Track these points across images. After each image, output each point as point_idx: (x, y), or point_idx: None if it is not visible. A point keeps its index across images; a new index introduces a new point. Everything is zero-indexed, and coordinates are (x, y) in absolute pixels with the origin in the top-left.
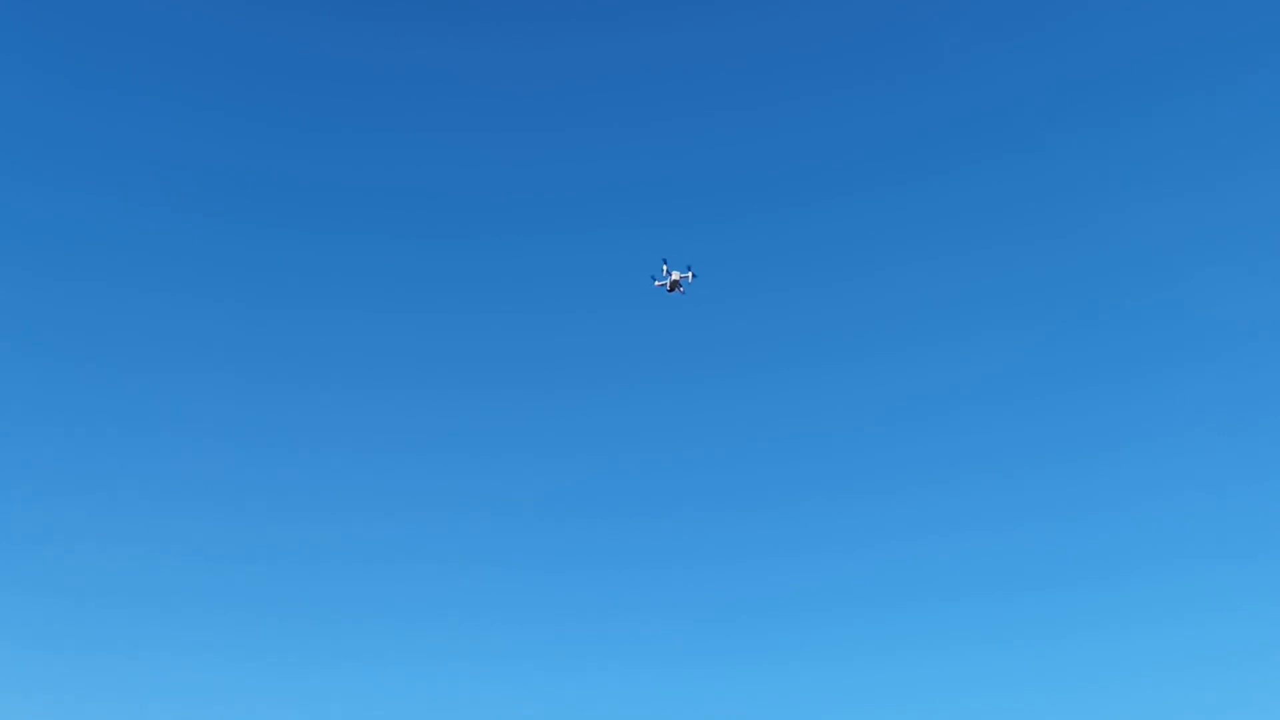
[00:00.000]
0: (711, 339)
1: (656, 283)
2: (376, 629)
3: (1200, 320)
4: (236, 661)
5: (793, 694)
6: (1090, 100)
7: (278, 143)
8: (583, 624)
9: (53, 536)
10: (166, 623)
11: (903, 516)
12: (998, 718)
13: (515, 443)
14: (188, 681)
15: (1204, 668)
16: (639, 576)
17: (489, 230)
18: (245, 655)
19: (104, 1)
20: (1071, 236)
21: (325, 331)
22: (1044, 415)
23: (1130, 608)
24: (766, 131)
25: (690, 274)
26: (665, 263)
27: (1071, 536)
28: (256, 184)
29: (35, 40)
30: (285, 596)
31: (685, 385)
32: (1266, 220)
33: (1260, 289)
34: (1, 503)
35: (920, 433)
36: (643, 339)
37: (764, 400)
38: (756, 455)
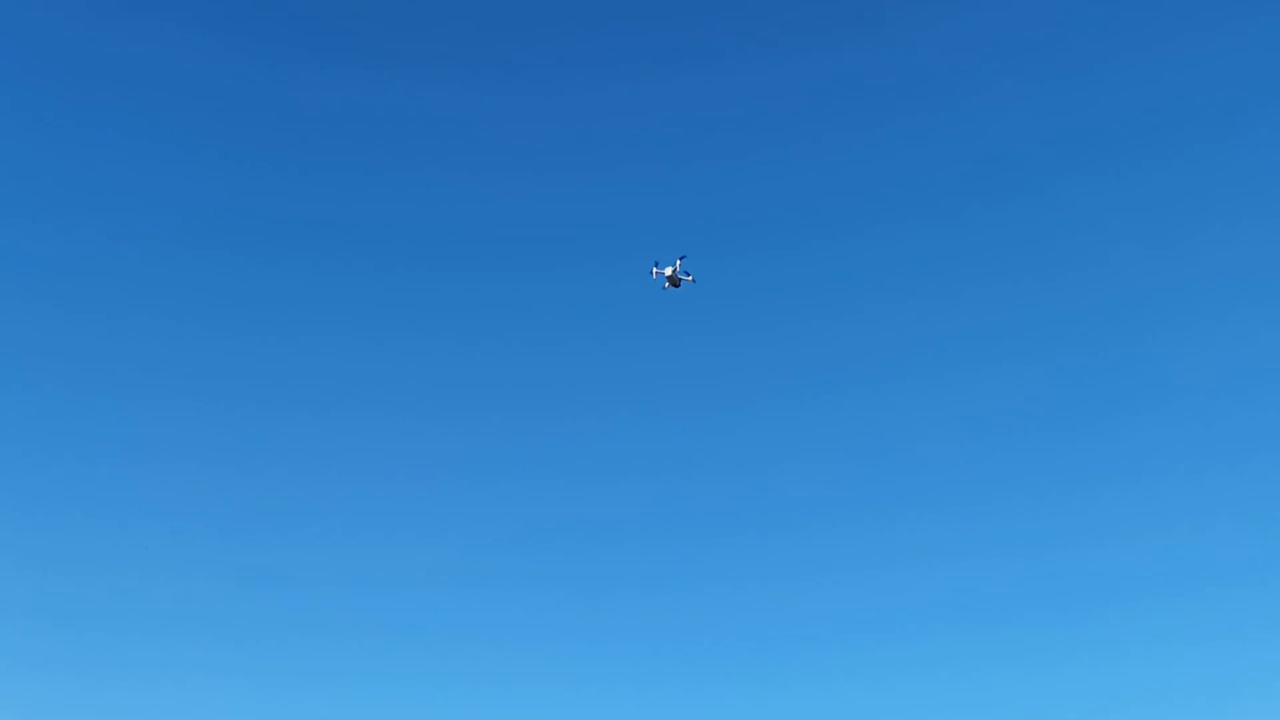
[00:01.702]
0: (714, 361)
1: (655, 272)
2: (376, 646)
3: (1208, 350)
4: (234, 679)
5: (795, 709)
6: (1100, 138)
7: (279, 179)
8: (583, 641)
9: (47, 559)
10: (163, 646)
11: (906, 537)
12: None
13: (514, 461)
14: (185, 700)
15: (1206, 678)
16: (640, 595)
17: (488, 257)
18: (245, 671)
19: (101, 35)
20: (1079, 274)
21: (325, 355)
22: (1048, 442)
23: (1137, 631)
24: (771, 158)
25: (689, 276)
26: (681, 259)
27: (1076, 561)
28: (260, 219)
29: (32, 68)
30: (283, 615)
31: (686, 406)
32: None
33: (1267, 322)
34: None
35: (924, 455)
36: (644, 358)
37: (767, 419)
38: (759, 474)
